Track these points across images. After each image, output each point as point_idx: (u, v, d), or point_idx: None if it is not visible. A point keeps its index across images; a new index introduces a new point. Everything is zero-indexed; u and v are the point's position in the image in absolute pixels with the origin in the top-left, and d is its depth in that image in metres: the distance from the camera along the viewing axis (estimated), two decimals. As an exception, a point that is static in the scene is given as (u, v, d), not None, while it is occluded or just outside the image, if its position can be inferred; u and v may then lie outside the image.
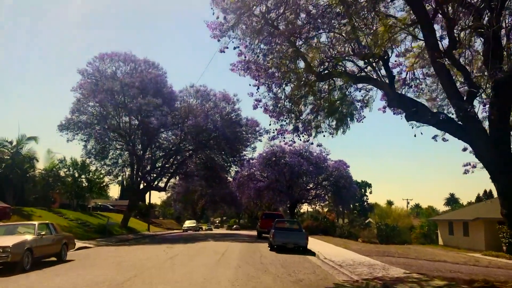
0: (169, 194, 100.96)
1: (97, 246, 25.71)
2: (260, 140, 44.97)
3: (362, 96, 13.98)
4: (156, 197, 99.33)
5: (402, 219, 50.88)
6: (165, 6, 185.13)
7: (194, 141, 41.19)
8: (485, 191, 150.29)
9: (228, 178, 50.99)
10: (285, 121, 15.95)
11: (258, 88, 15.33)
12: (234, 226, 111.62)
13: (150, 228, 51.70)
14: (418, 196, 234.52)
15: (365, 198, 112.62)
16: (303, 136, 16.19)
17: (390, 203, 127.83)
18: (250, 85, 13.69)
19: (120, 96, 38.20)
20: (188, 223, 64.12)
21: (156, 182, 44.93)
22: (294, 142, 16.48)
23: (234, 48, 12.09)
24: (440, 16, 10.73)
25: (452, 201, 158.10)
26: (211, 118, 39.67)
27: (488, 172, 10.43)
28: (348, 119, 12.92)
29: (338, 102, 12.92)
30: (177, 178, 49.63)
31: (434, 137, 14.54)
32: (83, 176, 48.21)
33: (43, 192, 42.86)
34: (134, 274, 12.51)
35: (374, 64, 11.84)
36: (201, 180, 51.96)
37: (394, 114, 15.83)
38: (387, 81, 11.60)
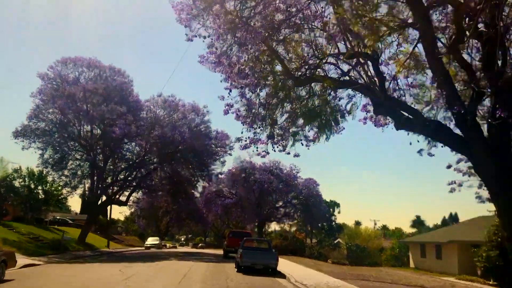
0: (132, 210, 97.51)
1: (47, 263, 23.30)
2: (230, 154, 43.32)
3: (343, 105, 12.71)
4: (119, 212, 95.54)
5: (372, 240, 49.99)
6: (134, 9, 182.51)
7: (160, 153, 39.14)
8: (451, 214, 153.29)
9: (195, 193, 48.93)
10: (259, 128, 14.56)
11: (230, 91, 13.89)
12: (200, 244, 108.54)
13: (110, 244, 48.78)
14: (385, 217, 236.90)
15: (333, 218, 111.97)
16: (277, 147, 14.81)
17: (358, 223, 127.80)
18: (221, 81, 12.21)
19: (82, 103, 36.00)
20: (150, 240, 61.31)
21: (117, 196, 42.46)
22: (268, 153, 15.01)
23: (205, 37, 10.60)
24: (437, 15, 9.62)
25: (418, 223, 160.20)
26: (178, 130, 37.87)
27: (487, 189, 9.22)
28: (333, 123, 11.55)
29: (319, 107, 11.58)
30: (141, 192, 47.18)
31: (420, 151, 13.37)
32: (39, 188, 45.27)
33: (-7, 204, 39.76)
34: (78, 300, 10.66)
35: (360, 66, 10.56)
36: (166, 195, 49.71)
37: (376, 126, 14.65)
38: (376, 84, 10.33)
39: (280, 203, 64.21)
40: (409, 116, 10.09)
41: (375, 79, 10.38)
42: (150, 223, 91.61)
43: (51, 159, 37.59)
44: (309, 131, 12.37)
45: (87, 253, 33.97)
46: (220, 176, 44.52)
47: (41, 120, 36.47)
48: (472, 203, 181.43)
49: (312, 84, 12.94)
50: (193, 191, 47.28)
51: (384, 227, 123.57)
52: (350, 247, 43.82)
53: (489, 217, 30.67)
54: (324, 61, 11.79)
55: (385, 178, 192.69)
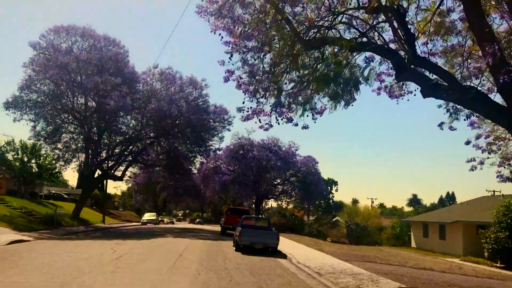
0: (129, 185, 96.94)
1: (37, 239, 22.30)
2: (229, 130, 42.03)
3: (357, 71, 11.39)
4: (113, 187, 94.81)
5: (372, 219, 49.25)
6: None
7: (156, 127, 37.81)
8: (448, 193, 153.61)
9: (193, 169, 47.81)
10: (262, 97, 13.30)
11: (231, 55, 12.56)
12: (197, 220, 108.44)
13: (105, 220, 47.96)
14: (382, 196, 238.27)
15: (330, 196, 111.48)
16: (282, 119, 13.56)
17: (355, 201, 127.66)
18: (221, 41, 10.87)
19: (76, 74, 34.51)
20: (147, 216, 60.57)
21: (112, 171, 41.29)
22: (271, 125, 13.78)
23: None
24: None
25: (414, 202, 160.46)
26: (175, 103, 36.42)
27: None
28: (352, 89, 10.25)
29: (333, 70, 10.24)
30: (137, 167, 46.06)
31: (440, 125, 12.20)
32: (33, 161, 44.09)
33: (-16, 177, 38.60)
34: (60, 284, 9.56)
35: (386, 22, 9.19)
36: (163, 170, 48.68)
37: (390, 97, 13.42)
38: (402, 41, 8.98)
39: (278, 181, 63.44)
40: (439, 81, 8.82)
41: (402, 36, 9.04)
42: (147, 198, 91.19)
43: (43, 132, 36.34)
44: (320, 100, 11.09)
45: (80, 229, 33.05)
46: (218, 152, 43.26)
47: (33, 91, 34.97)
48: (469, 183, 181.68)
49: (322, 50, 11.62)
50: (190, 167, 46.03)
51: (382, 206, 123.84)
52: (349, 226, 43.06)
53: (494, 198, 29.77)
54: (338, 19, 10.41)
55: (382, 155, 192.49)
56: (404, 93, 13.33)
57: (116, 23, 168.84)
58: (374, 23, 10.07)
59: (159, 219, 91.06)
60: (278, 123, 13.66)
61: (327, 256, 18.99)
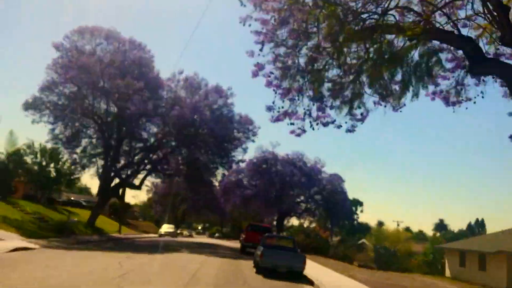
0: (150, 195, 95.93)
1: (44, 247, 20.71)
2: (253, 141, 39.99)
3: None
4: (131, 196, 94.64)
5: (401, 243, 46.26)
6: None
7: (178, 135, 36.22)
8: (477, 219, 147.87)
9: (214, 181, 45.86)
10: (296, 98, 11.38)
11: (263, 45, 10.74)
12: (216, 234, 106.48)
13: (122, 230, 46.45)
14: (407, 219, 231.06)
15: (355, 217, 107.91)
16: (317, 124, 11.60)
17: (381, 223, 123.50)
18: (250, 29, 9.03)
19: (98, 76, 33.30)
20: (165, 228, 58.86)
21: (131, 179, 39.77)
22: (304, 130, 11.82)
23: None
24: None
25: (441, 226, 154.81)
26: (199, 111, 34.83)
27: None
28: (425, 75, 8.21)
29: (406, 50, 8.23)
30: (156, 176, 44.38)
31: (512, 137, 10.04)
32: (51, 166, 43.09)
33: (1, 179, 37.57)
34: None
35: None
36: (183, 181, 47.00)
37: (446, 104, 11.41)
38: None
39: (302, 198, 61.00)
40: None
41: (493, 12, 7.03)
42: (167, 209, 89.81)
43: (61, 135, 35.21)
44: (370, 94, 9.06)
45: (93, 238, 31.52)
46: (241, 164, 41.07)
47: (53, 92, 33.98)
48: (498, 211, 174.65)
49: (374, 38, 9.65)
50: (211, 178, 44.13)
51: (407, 229, 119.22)
52: (378, 250, 40.23)
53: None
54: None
55: (408, 176, 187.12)
56: (462, 99, 11.25)
57: (142, 28, 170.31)
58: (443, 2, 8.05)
59: (178, 231, 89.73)
60: (313, 128, 11.74)
61: (360, 285, 16.68)
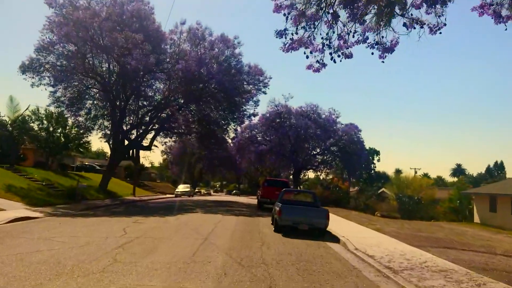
0: (164, 156, 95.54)
1: (49, 215, 19.60)
2: (265, 93, 37.76)
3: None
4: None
5: (424, 191, 44.47)
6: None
7: (185, 91, 34.26)
8: (496, 162, 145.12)
9: (226, 138, 44.17)
10: (311, 24, 9.28)
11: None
12: (234, 191, 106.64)
13: (136, 192, 45.60)
14: (424, 166, 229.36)
15: (372, 166, 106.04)
16: (338, 55, 9.60)
17: (398, 171, 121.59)
18: None
19: (95, 32, 31.14)
20: (181, 188, 58.10)
21: (139, 139, 38.22)
22: (324, 64, 9.82)
23: None
24: None
25: (458, 171, 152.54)
26: (205, 64, 32.61)
27: None
28: None
29: None
30: (169, 137, 42.71)
31: None
32: (59, 131, 41.80)
33: (6, 147, 36.46)
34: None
35: None
36: (195, 139, 45.46)
37: (498, 20, 9.30)
38: None
39: (318, 150, 59.36)
40: None
41: None
42: (183, 169, 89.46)
43: (63, 97, 33.57)
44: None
45: (104, 203, 30.46)
46: (253, 118, 39.02)
47: (51, 53, 32.04)
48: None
49: None
50: (224, 135, 42.42)
51: (425, 176, 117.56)
52: (401, 199, 38.57)
53: None
54: None
55: (424, 122, 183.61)
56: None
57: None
58: None
59: (196, 190, 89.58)
60: (334, 61, 9.70)
61: (391, 240, 15.05)
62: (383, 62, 10.25)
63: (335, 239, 14.99)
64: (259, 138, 59.63)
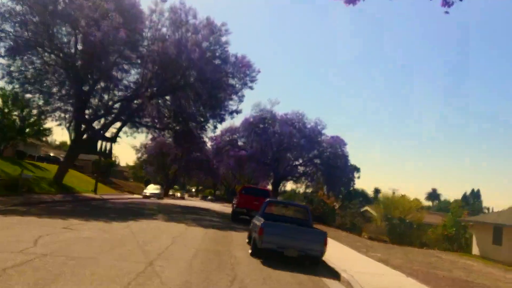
0: (138, 155, 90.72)
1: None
2: (251, 88, 33.45)
3: None
4: (129, 158, 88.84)
5: (413, 214, 40.78)
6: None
7: (159, 78, 29.85)
8: (473, 190, 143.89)
9: (204, 138, 39.58)
10: None
11: None
12: (209, 197, 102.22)
13: (99, 189, 40.67)
14: (400, 187, 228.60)
15: (352, 183, 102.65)
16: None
17: (377, 191, 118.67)
18: None
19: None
20: (150, 189, 53.30)
21: (105, 130, 33.39)
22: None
23: None
24: None
25: (434, 196, 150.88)
26: (186, 47, 28.27)
27: None
28: None
29: None
30: (141, 131, 37.78)
31: None
32: (14, 113, 36.91)
33: None
34: None
35: None
36: (170, 137, 40.98)
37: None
38: None
39: (300, 161, 55.68)
40: None
41: None
42: (158, 170, 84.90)
43: (17, 73, 28.81)
44: None
45: (54, 198, 25.83)
46: (236, 117, 34.56)
47: (6, 19, 27.29)
48: (496, 182, 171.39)
49: None
50: (202, 135, 37.92)
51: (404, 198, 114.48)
52: (390, 220, 34.79)
53: None
54: None
55: (404, 143, 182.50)
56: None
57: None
58: None
59: (170, 193, 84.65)
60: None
61: (409, 282, 11.02)
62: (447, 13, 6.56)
63: (333, 274, 10.94)
64: (240, 143, 55.74)
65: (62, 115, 31.34)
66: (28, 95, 31.68)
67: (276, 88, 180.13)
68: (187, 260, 9.96)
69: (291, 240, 11.33)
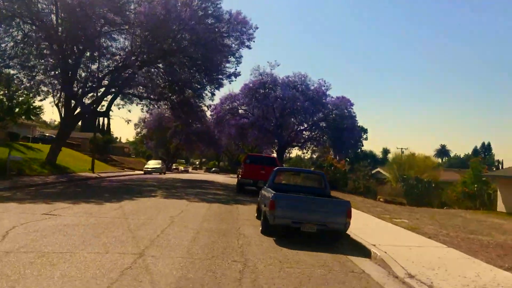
0: (138, 129, 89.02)
1: None
2: (249, 47, 31.11)
3: None
4: (129, 134, 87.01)
5: (429, 172, 38.82)
6: None
7: (149, 44, 27.56)
8: (483, 143, 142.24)
9: (202, 107, 37.43)
10: None
11: None
12: (213, 169, 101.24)
13: (97, 167, 39.09)
14: (408, 146, 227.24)
15: (359, 145, 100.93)
16: None
17: (386, 151, 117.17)
18: None
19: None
20: (151, 164, 51.80)
21: (96, 104, 31.40)
22: None
23: None
24: None
25: (443, 153, 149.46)
26: (175, 6, 25.84)
27: None
28: None
29: None
30: (134, 102, 35.67)
31: None
32: (0, 92, 34.72)
33: None
34: None
35: None
36: (167, 108, 38.96)
37: None
38: None
39: (305, 126, 53.63)
40: None
41: None
42: (159, 145, 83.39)
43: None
44: None
45: (46, 180, 24.16)
46: (234, 78, 32.28)
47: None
48: (504, 136, 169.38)
49: None
50: (199, 103, 35.75)
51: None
52: (406, 181, 32.95)
53: None
54: None
55: (407, 102, 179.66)
56: None
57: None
58: None
59: (173, 167, 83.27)
60: None
61: (452, 252, 9.27)
62: None
63: (361, 250, 9.21)
64: (240, 110, 53.72)
65: (49, 90, 29.23)
66: (9, 71, 29.59)
67: (276, 50, 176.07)
68: (186, 246, 8.20)
69: (308, 213, 9.54)
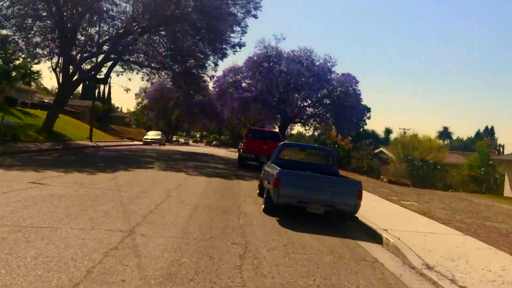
0: (139, 99, 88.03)
1: None
2: (255, 16, 29.73)
3: None
4: (130, 104, 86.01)
5: (433, 153, 38.09)
6: None
7: (151, 8, 26.34)
8: (486, 127, 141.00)
9: (205, 77, 36.21)
10: None
11: None
12: (214, 142, 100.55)
13: (95, 136, 38.35)
14: (410, 127, 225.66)
15: (362, 124, 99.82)
16: None
17: (388, 131, 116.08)
18: None
19: None
20: (151, 135, 51.01)
21: (96, 71, 30.35)
22: None
23: None
24: None
25: (445, 135, 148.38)
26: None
27: None
28: None
29: None
30: (126, 67, 34.16)
31: None
32: (-2, 55, 33.60)
33: None
34: None
35: None
36: (169, 78, 37.88)
37: None
38: None
39: (309, 102, 52.61)
40: None
41: None
42: (160, 116, 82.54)
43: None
44: None
45: (40, 146, 23.38)
46: (239, 49, 30.90)
47: None
48: (507, 119, 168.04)
49: None
50: (202, 74, 34.60)
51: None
52: (411, 161, 32.19)
53: None
54: None
55: (410, 83, 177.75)
56: None
57: None
58: None
59: (174, 139, 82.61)
60: None
61: (468, 241, 8.55)
62: None
63: (371, 234, 8.49)
64: (243, 84, 52.59)
65: (45, 52, 28.15)
66: (5, 32, 28.49)
67: (282, 23, 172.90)
68: (181, 225, 7.46)
69: (315, 192, 8.78)
